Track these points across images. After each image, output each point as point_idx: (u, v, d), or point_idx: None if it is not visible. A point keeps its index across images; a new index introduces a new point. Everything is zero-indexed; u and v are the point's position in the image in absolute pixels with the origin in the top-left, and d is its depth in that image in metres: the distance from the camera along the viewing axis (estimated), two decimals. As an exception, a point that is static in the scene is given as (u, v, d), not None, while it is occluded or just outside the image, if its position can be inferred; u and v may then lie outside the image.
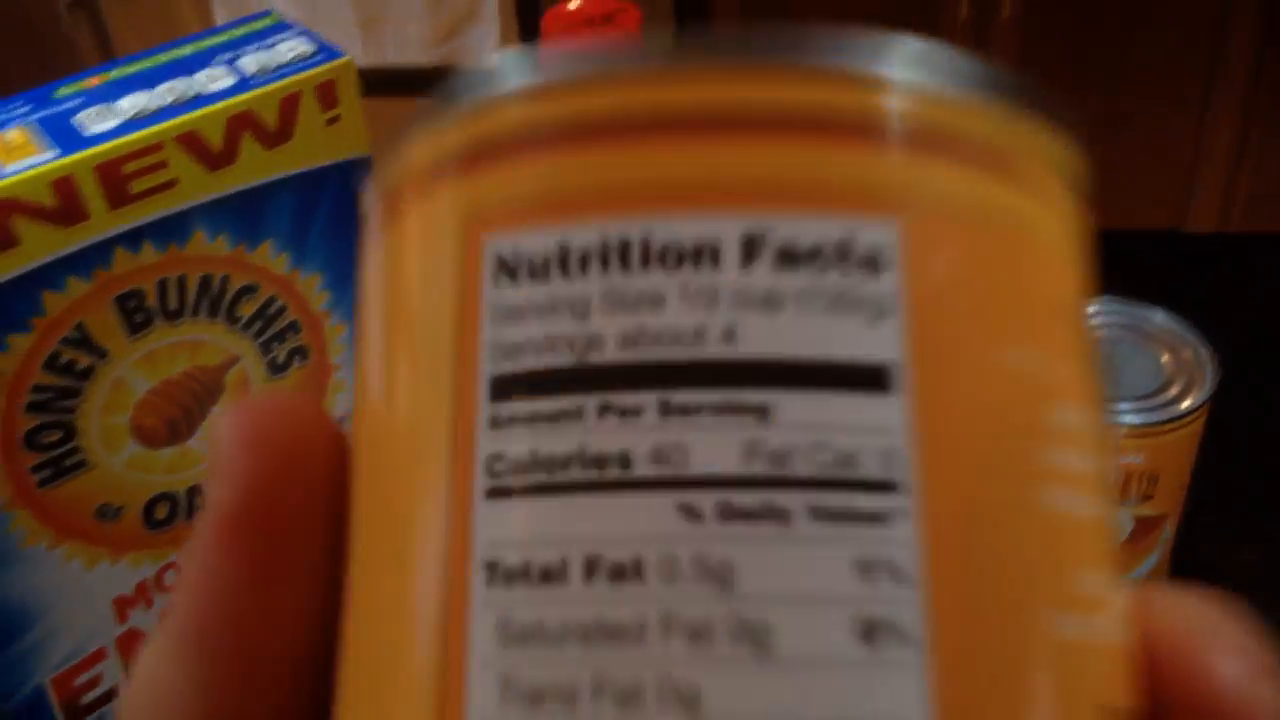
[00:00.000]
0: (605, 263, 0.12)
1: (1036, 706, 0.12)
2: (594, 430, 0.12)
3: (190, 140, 0.38)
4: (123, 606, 0.44)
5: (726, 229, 0.12)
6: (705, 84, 0.13)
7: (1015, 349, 0.13)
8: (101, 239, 0.38)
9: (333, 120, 0.41)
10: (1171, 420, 0.52)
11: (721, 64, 0.13)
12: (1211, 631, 0.14)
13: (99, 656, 0.45)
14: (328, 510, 0.15)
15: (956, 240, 0.13)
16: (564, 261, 0.13)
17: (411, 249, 0.14)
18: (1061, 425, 0.13)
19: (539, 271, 0.13)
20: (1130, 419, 0.52)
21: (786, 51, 0.13)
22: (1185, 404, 0.52)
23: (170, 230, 0.39)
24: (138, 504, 0.43)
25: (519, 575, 0.12)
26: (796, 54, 0.13)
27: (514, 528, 0.12)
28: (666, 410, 0.12)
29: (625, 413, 0.12)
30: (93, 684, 0.45)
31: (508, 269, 0.13)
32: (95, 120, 0.38)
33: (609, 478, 0.12)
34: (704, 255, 0.12)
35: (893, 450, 0.12)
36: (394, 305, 0.14)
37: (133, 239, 0.39)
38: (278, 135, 0.40)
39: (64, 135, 0.38)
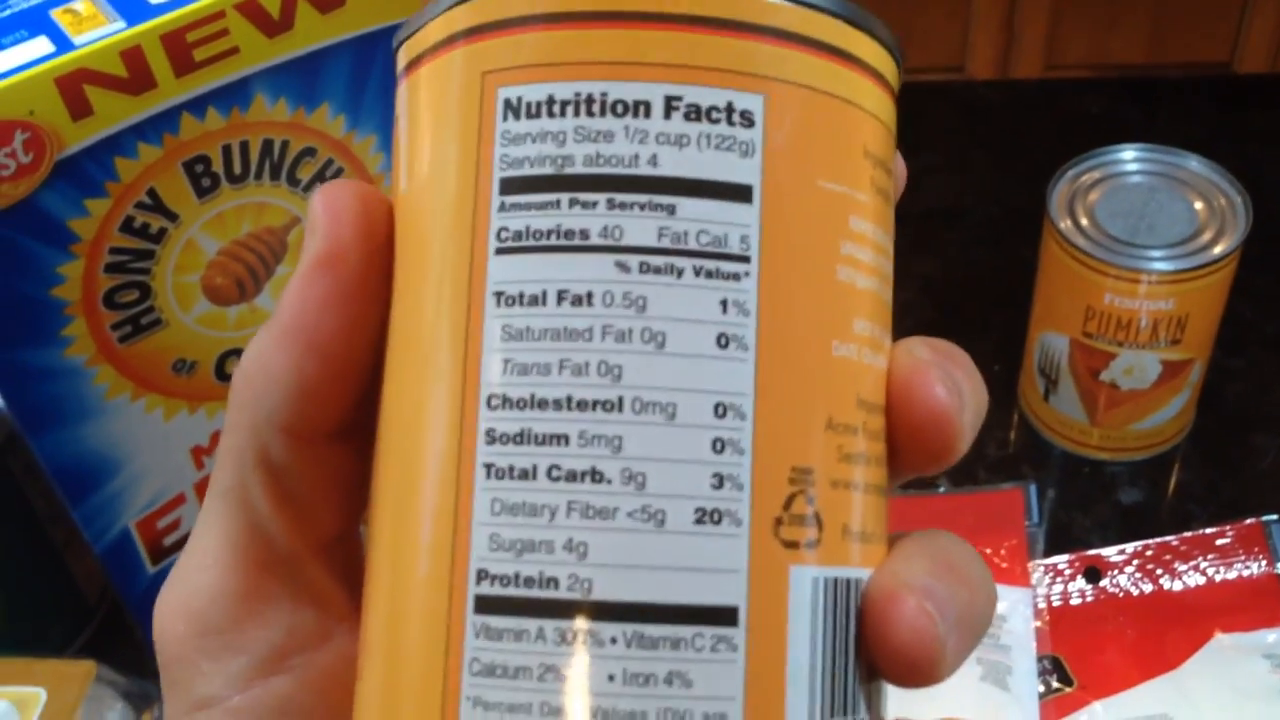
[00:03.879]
0: (577, 109, 0.19)
1: (818, 390, 0.19)
2: (566, 215, 0.19)
3: (249, 8, 0.40)
4: (199, 454, 0.47)
5: (655, 92, 0.19)
6: None
7: (831, 179, 0.20)
8: (169, 106, 0.40)
9: (384, -15, 0.42)
10: (1203, 266, 0.53)
11: None
12: (931, 364, 0.20)
13: (179, 501, 0.48)
14: (387, 259, 0.21)
15: (802, 106, 0.19)
16: (550, 106, 0.19)
17: (443, 91, 0.20)
18: (855, 230, 0.20)
19: (533, 112, 0.19)
20: (1161, 265, 0.53)
21: None
22: (1217, 250, 0.54)
23: (233, 96, 0.41)
24: (210, 358, 0.45)
25: (515, 300, 0.19)
26: None
27: (513, 272, 0.19)
28: (611, 205, 0.19)
29: (586, 205, 0.19)
30: (174, 526, 0.48)
31: (513, 108, 0.19)
32: (158, -10, 0.39)
33: (574, 244, 0.19)
34: (640, 108, 0.19)
35: (748, 237, 0.19)
36: (429, 126, 0.20)
37: (198, 105, 0.40)
38: (332, 0, 0.42)
39: (129, 6, 0.39)
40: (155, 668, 0.22)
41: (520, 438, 0.18)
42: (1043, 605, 0.52)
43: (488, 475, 0.18)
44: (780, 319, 0.19)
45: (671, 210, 0.19)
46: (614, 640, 0.18)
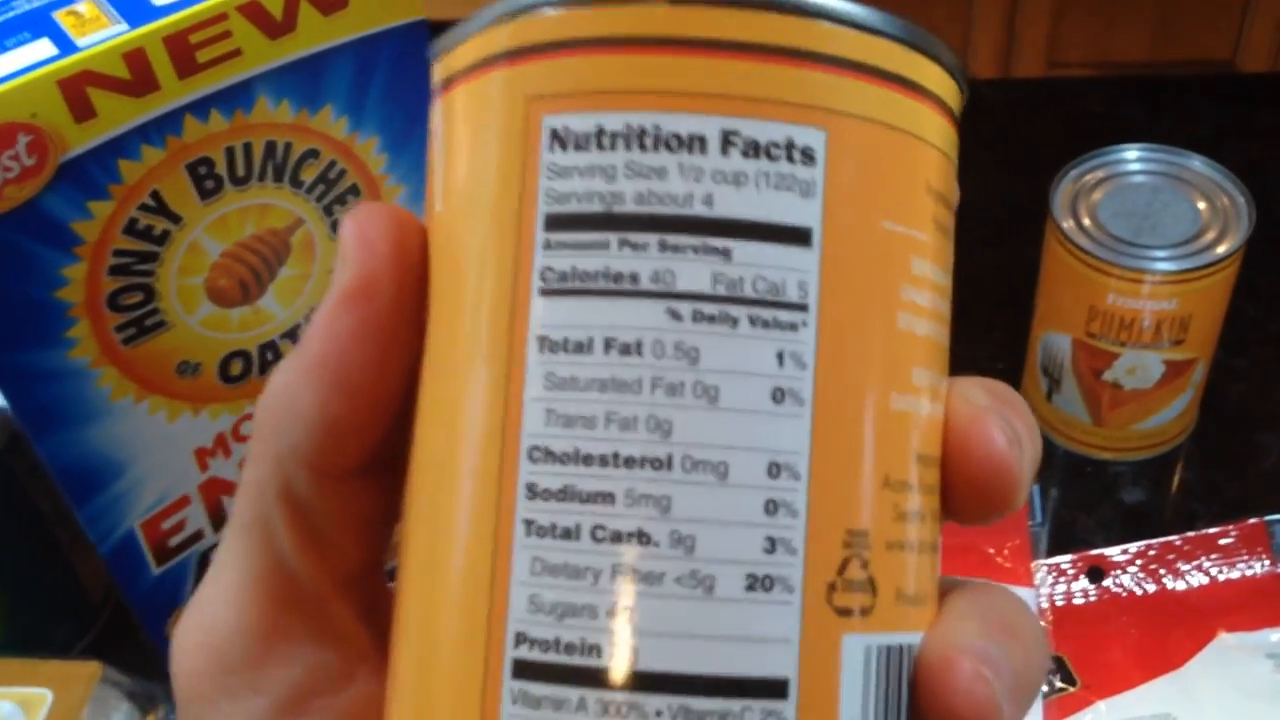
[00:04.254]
0: (628, 143, 0.18)
1: (876, 447, 0.18)
2: (615, 256, 0.18)
3: (252, 10, 0.40)
4: (203, 456, 0.47)
5: (711, 126, 0.18)
6: (703, 18, 0.18)
7: (893, 219, 0.19)
8: (172, 108, 0.40)
9: (387, -13, 0.42)
10: (1206, 266, 0.53)
11: (716, 4, 0.18)
12: (990, 411, 0.20)
13: (183, 503, 0.48)
14: (420, 291, 0.20)
15: (865, 141, 0.18)
16: (599, 138, 0.18)
17: (483, 115, 0.19)
18: (916, 272, 0.19)
19: (581, 144, 0.18)
20: (1164, 266, 0.53)
21: (761, 1, 0.18)
22: (1220, 249, 0.54)
23: (235, 98, 0.41)
24: (214, 360, 0.45)
25: (560, 346, 0.18)
26: (767, 2, 0.18)
27: (558, 316, 0.18)
28: (663, 247, 0.18)
29: (636, 246, 0.18)
30: (178, 528, 0.48)
31: (559, 139, 0.18)
32: (161, -7, 0.39)
33: (623, 288, 0.18)
34: (695, 143, 0.18)
35: (806, 283, 0.18)
36: (468, 152, 0.19)
37: (201, 108, 0.40)
38: (335, 2, 0.42)
39: (132, 8, 0.39)
40: (161, 668, 0.22)
41: (563, 494, 0.17)
42: (1046, 605, 0.52)
43: (528, 532, 0.17)
44: (838, 372, 0.18)
45: (727, 255, 0.18)
46: (659, 713, 0.17)
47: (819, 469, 0.18)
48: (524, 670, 0.17)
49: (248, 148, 0.42)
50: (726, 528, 0.17)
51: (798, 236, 0.18)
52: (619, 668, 0.17)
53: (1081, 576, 0.53)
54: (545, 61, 0.18)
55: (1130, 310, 0.54)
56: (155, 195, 0.41)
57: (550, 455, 0.17)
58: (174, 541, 0.48)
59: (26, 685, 0.44)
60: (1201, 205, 0.56)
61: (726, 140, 0.18)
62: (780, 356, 0.18)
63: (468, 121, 0.19)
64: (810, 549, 0.17)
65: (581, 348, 0.18)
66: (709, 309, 0.17)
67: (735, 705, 0.17)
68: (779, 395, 0.18)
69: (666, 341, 0.17)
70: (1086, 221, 0.56)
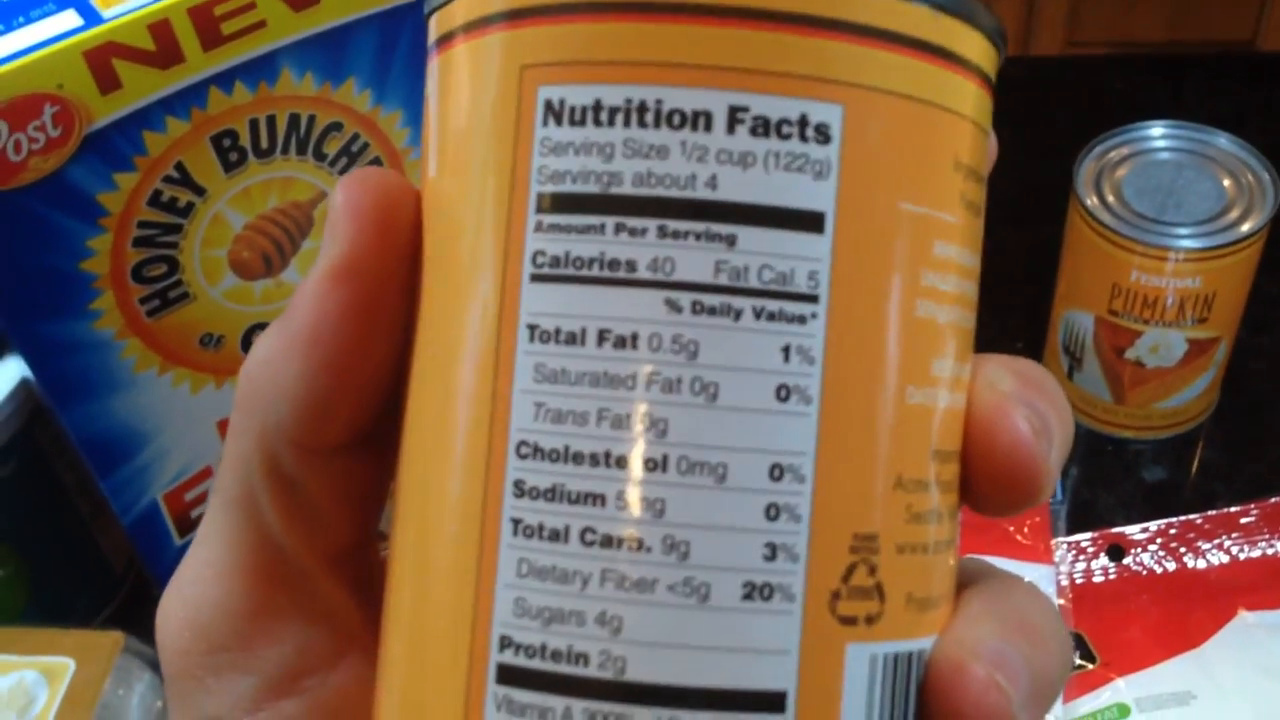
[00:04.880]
0: (627, 119, 0.16)
1: (889, 446, 0.17)
2: (611, 241, 0.16)
3: (276, -18, 0.40)
4: (225, 428, 0.47)
5: (718, 101, 0.16)
6: None
7: (916, 200, 0.17)
8: (196, 80, 0.40)
9: (411, -41, 0.42)
10: (1230, 244, 0.53)
11: None
12: (1016, 400, 0.19)
13: (206, 474, 0.48)
14: (412, 264, 0.19)
15: (887, 116, 0.17)
16: (597, 113, 0.17)
17: (477, 81, 0.18)
18: (939, 256, 0.18)
19: (577, 118, 0.17)
20: (1189, 243, 0.53)
21: None
22: (1245, 227, 0.53)
23: (260, 70, 0.41)
24: (236, 332, 0.46)
25: (551, 336, 0.17)
26: None
27: (549, 304, 0.17)
28: (663, 233, 0.16)
29: (634, 231, 0.16)
30: (201, 499, 0.48)
31: (554, 112, 0.17)
32: (186, -36, 0.39)
33: (619, 276, 0.16)
34: (700, 120, 0.16)
35: (817, 273, 0.17)
36: (461, 119, 0.18)
37: (225, 80, 0.40)
38: (359, -26, 0.41)
39: (157, -21, 0.39)
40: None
41: (552, 494, 0.16)
42: (1065, 583, 0.52)
43: (514, 532, 0.17)
44: (849, 368, 0.17)
45: (731, 241, 0.16)
46: None
47: (825, 471, 0.17)
48: (508, 676, 0.17)
49: (271, 120, 0.42)
50: (724, 533, 0.16)
51: (809, 222, 0.16)
52: (606, 678, 0.16)
53: (1101, 554, 0.53)
54: (543, 26, 0.17)
55: (1154, 288, 0.54)
56: (179, 167, 0.41)
57: (539, 452, 0.17)
58: (196, 513, 0.48)
59: (49, 655, 0.44)
60: (1226, 183, 0.55)
61: (734, 117, 0.16)
62: (786, 351, 0.16)
63: (461, 86, 0.18)
64: (813, 556, 0.16)
65: (573, 339, 0.16)
66: (710, 300, 0.16)
67: (729, 719, 0.16)
68: (784, 393, 0.16)
69: (664, 334, 0.16)
70: (1110, 198, 0.55)
